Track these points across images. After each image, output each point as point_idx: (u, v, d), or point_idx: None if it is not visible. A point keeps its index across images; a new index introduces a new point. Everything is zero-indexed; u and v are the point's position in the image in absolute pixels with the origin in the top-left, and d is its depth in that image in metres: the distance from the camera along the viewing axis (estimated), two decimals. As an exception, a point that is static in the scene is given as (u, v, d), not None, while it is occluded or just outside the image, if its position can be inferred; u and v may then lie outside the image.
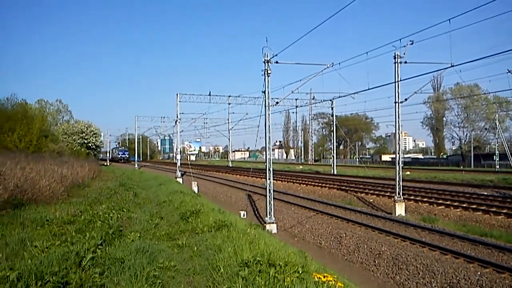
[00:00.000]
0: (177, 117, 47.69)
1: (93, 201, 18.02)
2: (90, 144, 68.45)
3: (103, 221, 12.12)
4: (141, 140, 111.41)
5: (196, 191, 32.01)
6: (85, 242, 8.64)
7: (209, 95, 48.82)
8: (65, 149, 55.33)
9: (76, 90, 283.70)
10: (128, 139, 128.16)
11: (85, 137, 67.17)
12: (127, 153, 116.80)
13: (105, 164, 79.95)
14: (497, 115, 69.17)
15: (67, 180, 22.52)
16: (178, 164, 46.57)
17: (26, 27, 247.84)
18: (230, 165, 79.64)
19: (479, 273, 11.50)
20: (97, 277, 6.52)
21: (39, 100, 77.08)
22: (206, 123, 71.00)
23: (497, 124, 65.97)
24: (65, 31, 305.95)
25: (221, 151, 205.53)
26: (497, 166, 58.43)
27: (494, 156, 61.69)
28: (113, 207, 15.54)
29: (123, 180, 33.59)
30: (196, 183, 35.71)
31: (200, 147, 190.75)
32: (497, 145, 64.63)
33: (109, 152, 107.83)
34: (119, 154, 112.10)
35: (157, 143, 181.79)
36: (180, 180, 42.60)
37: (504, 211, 20.65)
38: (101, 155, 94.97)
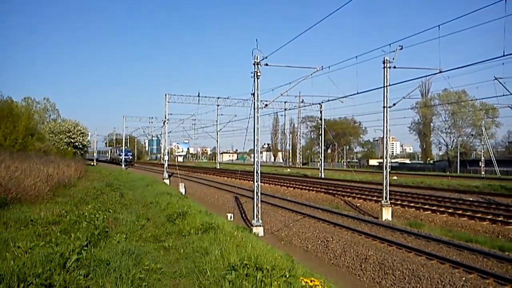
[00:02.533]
0: (165, 117, 47.52)
1: (79, 201, 17.83)
2: (77, 144, 67.88)
3: (88, 222, 11.99)
4: (128, 140, 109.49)
5: (183, 193, 31.87)
6: (70, 243, 8.54)
7: (198, 96, 48.61)
8: (51, 148, 54.78)
9: (64, 89, 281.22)
10: (116, 139, 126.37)
11: (72, 136, 66.60)
12: (131, 154, 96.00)
13: (92, 164, 79.28)
14: (483, 122, 70.02)
15: (52, 180, 22.26)
16: (166, 165, 46.35)
17: (13, 24, 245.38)
18: (218, 167, 79.47)
19: (464, 278, 11.57)
20: (82, 279, 6.44)
21: (25, 98, 76.50)
22: (195, 124, 70.73)
23: (483, 130, 66.75)
24: (53, 30, 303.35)
25: (209, 152, 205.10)
26: (483, 172, 59.03)
27: (480, 162, 62.33)
28: (99, 208, 15.40)
29: (110, 180, 33.33)
30: (183, 184, 35.57)
31: (188, 149, 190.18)
32: (482, 151, 65.36)
33: (96, 153, 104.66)
34: (120, 155, 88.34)
35: (145, 143, 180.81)
36: (167, 181, 42.42)
37: (489, 217, 20.84)
38: (88, 154, 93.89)
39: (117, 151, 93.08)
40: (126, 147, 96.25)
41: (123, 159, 79.46)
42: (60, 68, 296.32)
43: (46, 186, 19.27)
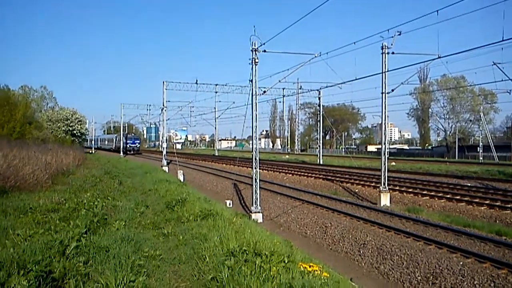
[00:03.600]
0: (163, 105, 47.31)
1: (78, 189, 17.83)
2: (75, 132, 67.64)
3: (87, 209, 12.00)
4: (126, 128, 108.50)
5: (182, 180, 31.91)
6: (69, 231, 8.56)
7: (196, 83, 48.32)
8: (49, 136, 54.63)
9: (61, 77, 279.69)
10: (114, 126, 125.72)
11: (70, 124, 66.33)
12: (138, 142, 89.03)
13: (90, 151, 79.19)
14: (481, 107, 69.99)
15: (51, 168, 22.24)
16: (164, 152, 46.31)
17: (10, 12, 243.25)
18: (216, 154, 79.51)
19: (461, 263, 11.65)
20: (81, 266, 6.45)
21: (22, 86, 75.66)
22: (193, 111, 70.41)
23: (481, 116, 66.82)
24: (50, 17, 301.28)
25: (207, 139, 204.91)
26: (481, 158, 59.20)
27: (478, 148, 62.42)
28: (98, 195, 15.41)
29: (108, 168, 33.33)
30: (182, 171, 35.60)
31: (186, 136, 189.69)
32: (481, 137, 65.42)
33: (98, 141, 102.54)
34: (127, 144, 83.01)
35: (143, 131, 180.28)
36: (166, 168, 42.40)
37: (487, 202, 20.94)
38: (86, 142, 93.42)
39: (123, 139, 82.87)
40: (133, 134, 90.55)
41: (121, 147, 76.58)
42: (57, 56, 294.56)
43: (44, 174, 19.24)
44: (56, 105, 79.87)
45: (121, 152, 74.96)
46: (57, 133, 62.27)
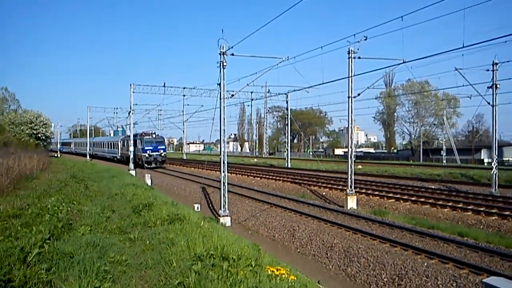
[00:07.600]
0: (130, 108, 46.76)
1: (42, 194, 17.40)
2: (39, 135, 66.03)
3: (51, 215, 11.72)
4: (93, 131, 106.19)
5: (150, 184, 31.55)
6: (32, 237, 8.31)
7: (164, 86, 47.90)
8: (12, 139, 53.17)
9: (24, 79, 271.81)
10: (80, 130, 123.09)
11: (34, 128, 64.73)
12: (163, 148, 54.11)
13: (56, 155, 77.36)
14: (445, 112, 71.72)
15: (13, 172, 21.62)
16: (131, 156, 45.69)
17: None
18: (185, 158, 78.94)
19: (426, 264, 11.92)
20: (43, 274, 6.28)
21: (-18, 88, 73.85)
22: (161, 114, 69.86)
23: (444, 120, 68.45)
24: (13, 18, 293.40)
25: (175, 143, 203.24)
26: (444, 161, 60.64)
27: (441, 151, 63.96)
28: (63, 200, 15.07)
29: (74, 172, 32.65)
30: (149, 175, 35.21)
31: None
32: (444, 140, 67.04)
33: (89, 146, 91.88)
34: (146, 151, 51.96)
35: (110, 134, 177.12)
36: (133, 172, 41.90)
37: (450, 204, 21.49)
38: (51, 146, 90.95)
39: (142, 142, 52.52)
40: (155, 135, 55.32)
41: (133, 156, 46.92)
42: (20, 56, 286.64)
43: (6, 179, 18.73)
44: (19, 108, 78.01)
45: (87, 156, 73.17)
46: (21, 136, 60.70)
